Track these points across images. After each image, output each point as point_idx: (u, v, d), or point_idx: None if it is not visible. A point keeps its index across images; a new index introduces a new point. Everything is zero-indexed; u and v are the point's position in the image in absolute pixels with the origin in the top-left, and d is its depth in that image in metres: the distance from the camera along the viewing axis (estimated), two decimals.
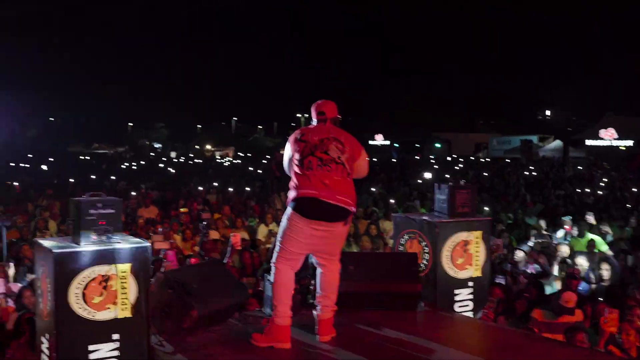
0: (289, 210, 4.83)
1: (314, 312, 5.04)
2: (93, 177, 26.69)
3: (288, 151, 4.94)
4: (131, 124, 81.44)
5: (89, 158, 50.09)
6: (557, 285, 8.38)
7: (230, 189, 20.63)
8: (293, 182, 4.85)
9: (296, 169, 4.82)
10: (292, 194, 4.84)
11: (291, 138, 4.97)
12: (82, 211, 4.51)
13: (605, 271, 8.55)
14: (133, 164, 40.63)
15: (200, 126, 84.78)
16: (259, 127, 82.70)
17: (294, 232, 4.77)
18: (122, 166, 37.96)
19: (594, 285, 8.22)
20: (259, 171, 32.64)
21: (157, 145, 72.63)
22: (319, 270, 5.07)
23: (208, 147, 70.65)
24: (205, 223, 8.88)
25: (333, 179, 4.74)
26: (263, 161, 40.45)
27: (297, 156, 4.82)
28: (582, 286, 8.16)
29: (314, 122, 5.05)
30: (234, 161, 49.19)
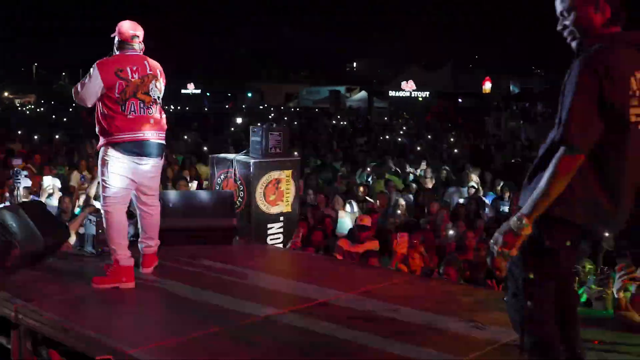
0: (109, 149, 4.79)
1: (141, 249, 5.17)
2: None
3: (97, 81, 4.69)
4: None
5: None
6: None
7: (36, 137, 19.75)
8: (110, 123, 4.74)
9: (114, 109, 4.72)
10: (111, 137, 4.76)
11: (105, 68, 4.73)
12: None
13: (401, 206, 9.53)
14: None
15: None
16: (63, 74, 78.21)
17: (118, 168, 4.80)
18: None
19: (391, 219, 9.10)
20: (64, 119, 31.26)
21: None
22: (139, 213, 5.18)
23: (6, 94, 65.83)
24: (17, 170, 8.64)
25: (154, 118, 4.88)
26: (69, 109, 38.61)
27: (116, 95, 4.71)
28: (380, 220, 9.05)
29: (126, 47, 4.86)
30: (37, 110, 46.37)
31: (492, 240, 2.72)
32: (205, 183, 10.92)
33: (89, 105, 4.84)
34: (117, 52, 4.92)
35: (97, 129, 4.88)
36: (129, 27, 4.89)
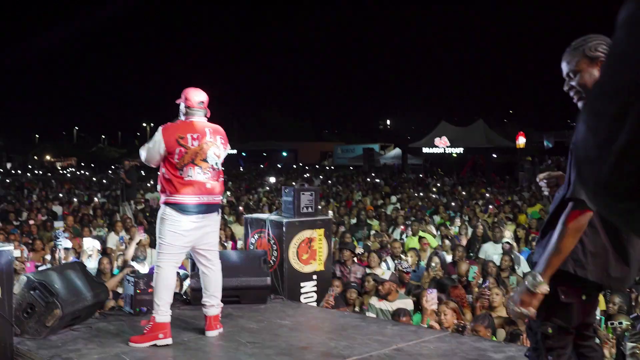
0: (166, 208, 5.04)
1: (204, 310, 5.32)
2: None
3: (161, 145, 4.99)
4: None
5: None
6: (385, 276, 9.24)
7: (75, 200, 20.25)
8: (169, 184, 5.03)
9: (173, 173, 5.01)
10: (169, 197, 5.03)
11: (168, 133, 5.01)
12: None
13: (435, 264, 9.54)
14: None
15: (38, 136, 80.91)
16: (102, 136, 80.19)
17: (173, 226, 5.02)
18: None
19: (426, 275, 9.11)
20: (104, 181, 31.98)
21: None
22: (202, 271, 5.38)
23: (48, 157, 67.60)
24: (58, 232, 8.93)
25: (211, 183, 5.12)
26: (108, 171, 39.47)
27: (175, 160, 4.99)
28: (414, 277, 9.06)
29: (191, 113, 5.14)
30: (77, 172, 47.47)
31: (510, 300, 2.78)
32: (239, 243, 11.08)
33: (154, 166, 5.17)
34: (182, 118, 5.21)
35: (158, 187, 5.20)
36: (194, 94, 5.19)
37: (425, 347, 5.01)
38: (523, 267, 10.53)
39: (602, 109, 1.09)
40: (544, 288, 2.64)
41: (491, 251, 11.35)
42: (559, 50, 2.95)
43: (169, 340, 5.02)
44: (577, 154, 1.12)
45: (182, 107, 5.22)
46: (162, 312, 5.04)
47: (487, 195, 21.11)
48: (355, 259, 9.37)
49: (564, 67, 2.88)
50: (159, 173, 5.18)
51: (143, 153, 5.16)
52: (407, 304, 7.25)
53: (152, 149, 5.07)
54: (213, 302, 5.31)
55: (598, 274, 2.73)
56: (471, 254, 11.07)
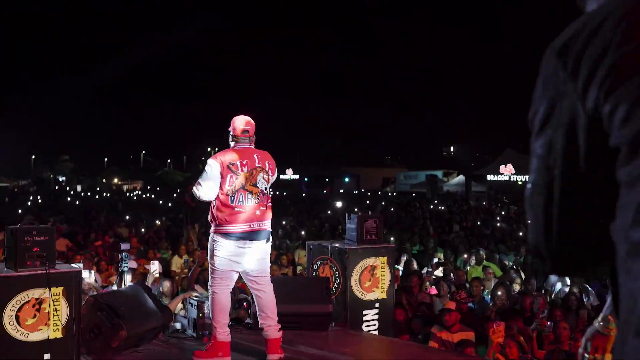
0: (217, 236, 5.18)
1: (263, 334, 5.36)
2: None
3: (216, 174, 5.12)
4: (34, 157, 79.04)
5: None
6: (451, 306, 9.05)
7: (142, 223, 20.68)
8: (220, 214, 5.14)
9: (225, 201, 5.12)
10: (219, 227, 5.16)
11: (221, 161, 5.14)
12: (18, 238, 4.79)
13: (500, 294, 9.31)
14: (36, 197, 39.56)
15: (106, 159, 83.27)
16: (168, 160, 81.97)
17: (223, 252, 5.16)
18: (26, 200, 36.89)
19: (491, 306, 8.90)
20: (169, 204, 32.58)
21: (61, 178, 70.79)
22: (255, 295, 5.45)
23: (115, 180, 69.44)
24: (124, 253, 9.10)
25: (260, 209, 5.22)
26: (174, 195, 40.24)
27: (227, 189, 5.12)
28: (477, 309, 8.86)
29: (239, 141, 5.28)
30: (143, 195, 48.57)
31: (580, 348, 2.57)
32: (299, 268, 11.05)
33: (212, 199, 5.21)
34: (231, 145, 5.34)
35: (209, 216, 5.31)
36: (240, 122, 5.33)
37: None
38: (592, 299, 10.19)
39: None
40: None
41: (558, 282, 11.03)
42: None
43: (228, 359, 5.18)
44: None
45: (230, 135, 5.38)
46: (221, 333, 5.20)
47: None
48: (422, 287, 9.25)
49: None
50: (212, 203, 5.24)
51: (199, 189, 5.22)
52: (469, 335, 7.08)
53: (208, 180, 5.18)
54: (270, 323, 5.33)
55: None
56: (537, 285, 10.76)
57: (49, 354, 4.83)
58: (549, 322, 6.76)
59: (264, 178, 5.27)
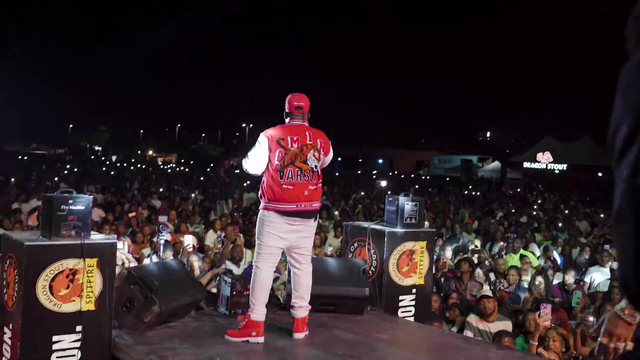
0: (266, 212, 5.13)
1: (292, 311, 5.34)
2: (32, 177, 26.28)
3: (264, 148, 5.08)
4: (71, 126, 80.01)
5: (26, 158, 49.07)
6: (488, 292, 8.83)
7: (176, 195, 20.68)
8: (270, 189, 5.09)
9: (274, 177, 5.07)
10: (268, 204, 5.10)
11: (270, 135, 5.10)
12: (54, 207, 4.71)
13: (539, 284, 9.07)
14: (72, 166, 39.99)
15: (142, 131, 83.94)
16: (203, 134, 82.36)
17: (272, 228, 5.10)
18: (63, 168, 37.30)
19: (528, 296, 8.66)
20: (201, 178, 32.67)
21: (97, 148, 71.59)
22: (293, 272, 5.40)
23: (150, 152, 70.01)
24: (162, 226, 9.05)
25: (309, 188, 5.14)
26: (207, 169, 40.37)
27: (276, 164, 5.06)
28: (514, 297, 8.63)
29: (292, 117, 5.23)
30: (177, 168, 48.85)
31: (600, 336, 2.47)
32: (330, 249, 10.84)
33: (260, 174, 5.19)
34: (285, 122, 5.29)
35: (259, 192, 5.28)
36: (293, 99, 5.26)
37: None
38: None
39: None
40: None
41: (598, 276, 10.73)
42: None
43: (261, 339, 5.13)
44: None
45: (285, 112, 5.32)
46: (258, 311, 5.14)
47: (595, 215, 20.10)
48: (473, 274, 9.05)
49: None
50: (262, 179, 5.22)
51: (248, 162, 5.20)
52: (507, 325, 6.87)
53: (256, 155, 5.14)
54: (302, 304, 5.30)
55: None
56: (577, 278, 10.47)
57: (80, 326, 4.76)
58: (592, 318, 6.51)
59: (314, 155, 5.19)
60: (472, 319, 7.07)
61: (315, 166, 5.21)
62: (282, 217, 5.07)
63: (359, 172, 50.12)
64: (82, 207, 4.80)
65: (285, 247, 5.27)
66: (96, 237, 4.97)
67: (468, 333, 6.94)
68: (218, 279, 6.85)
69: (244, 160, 5.24)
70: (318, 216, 5.41)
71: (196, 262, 8.70)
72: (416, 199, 6.73)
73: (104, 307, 4.85)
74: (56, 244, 4.67)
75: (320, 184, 5.30)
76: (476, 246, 12.71)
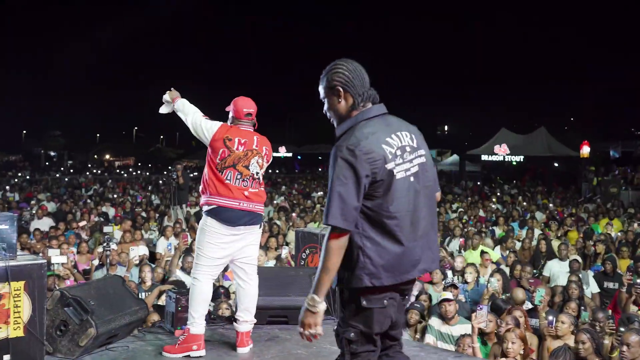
0: (208, 219, 4.89)
1: (235, 325, 5.14)
2: None
3: (210, 131, 4.91)
4: (25, 132, 78.23)
5: None
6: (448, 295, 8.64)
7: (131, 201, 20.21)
8: (212, 183, 4.89)
9: (215, 173, 4.88)
10: (210, 198, 4.89)
11: (221, 130, 4.92)
12: None
13: (497, 281, 8.91)
14: (24, 174, 38.97)
15: (99, 135, 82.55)
16: (161, 137, 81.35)
17: (213, 237, 4.88)
18: (14, 176, 36.30)
19: (485, 293, 8.47)
20: (160, 182, 32.10)
21: (52, 154, 70.12)
22: (237, 284, 5.18)
23: (107, 156, 68.86)
24: (108, 236, 8.69)
25: (249, 191, 4.93)
26: (164, 172, 39.78)
27: (217, 161, 4.87)
28: (473, 295, 8.47)
29: (238, 123, 5.03)
30: (134, 172, 48.06)
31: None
32: (284, 252, 10.48)
33: (193, 132, 5.03)
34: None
35: (200, 188, 5.06)
36: (243, 105, 5.06)
37: None
38: (592, 287, 9.83)
39: None
40: (323, 306, 2.86)
41: (557, 269, 10.66)
42: (626, 54, 2.44)
43: (202, 352, 4.93)
44: None
45: (230, 116, 5.12)
46: (197, 325, 4.94)
47: (550, 206, 20.20)
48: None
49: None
50: (203, 173, 5.04)
51: (192, 118, 5.03)
52: (468, 328, 6.69)
53: (202, 126, 4.97)
54: (246, 318, 5.12)
55: (393, 277, 2.91)
56: (534, 272, 10.38)
57: (9, 355, 4.42)
58: (551, 317, 6.36)
59: (258, 162, 5.01)
60: (434, 322, 6.87)
61: (257, 173, 5.03)
62: (224, 226, 4.86)
63: (319, 169, 49.90)
64: (6, 226, 4.46)
65: (228, 259, 5.03)
66: (23, 258, 4.62)
67: (430, 337, 6.74)
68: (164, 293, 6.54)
69: (192, 120, 5.03)
70: (262, 223, 5.18)
71: (148, 272, 8.35)
72: None
73: (35, 332, 4.51)
74: None
75: (262, 190, 5.10)
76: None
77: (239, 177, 4.89)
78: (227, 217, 4.85)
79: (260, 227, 5.10)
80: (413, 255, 2.97)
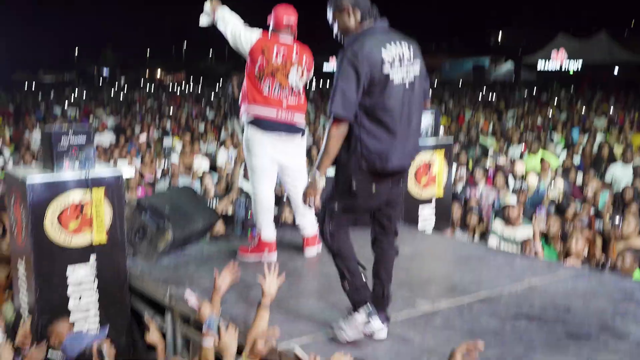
0: (250, 129, 4.91)
1: (300, 232, 5.24)
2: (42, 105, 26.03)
3: (250, 40, 4.83)
4: (77, 49, 78.93)
5: (34, 86, 48.70)
6: (512, 200, 8.65)
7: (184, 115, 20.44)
8: (249, 93, 4.87)
9: (253, 83, 4.85)
10: (249, 107, 4.88)
11: (260, 39, 4.84)
12: (54, 140, 4.52)
13: (558, 187, 8.87)
14: (81, 90, 39.60)
15: (149, 49, 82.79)
16: (210, 49, 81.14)
17: (259, 150, 4.91)
18: (71, 94, 36.97)
19: (546, 198, 8.45)
20: (211, 96, 32.23)
21: (105, 75, 70.86)
22: (289, 192, 5.26)
23: (158, 72, 69.31)
24: (168, 148, 8.90)
25: (288, 103, 4.88)
26: (217, 85, 39.93)
27: (256, 70, 4.82)
28: (534, 200, 8.46)
29: (280, 34, 4.92)
30: (186, 87, 48.38)
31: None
32: None
33: (230, 41, 4.93)
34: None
35: (240, 99, 5.02)
36: (282, 14, 4.93)
37: (562, 286, 4.53)
38: None
39: None
40: (322, 182, 3.33)
41: (620, 173, 10.48)
42: None
43: (274, 255, 5.06)
44: None
45: (270, 27, 4.98)
46: (266, 231, 5.07)
47: (611, 110, 19.64)
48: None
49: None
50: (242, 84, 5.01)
51: (231, 29, 4.90)
52: (530, 231, 6.73)
53: (241, 37, 4.86)
54: (306, 222, 5.17)
55: (385, 164, 3.33)
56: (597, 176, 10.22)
57: (94, 256, 4.67)
58: (617, 218, 6.34)
59: (298, 73, 4.92)
60: (498, 224, 6.92)
61: (297, 85, 4.93)
62: (265, 133, 4.86)
63: None
64: (84, 138, 4.60)
65: (274, 166, 5.03)
66: (101, 167, 4.80)
67: (493, 240, 6.81)
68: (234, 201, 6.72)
69: (231, 30, 4.91)
70: (304, 133, 5.11)
71: (210, 183, 8.55)
72: (433, 110, 6.50)
73: (116, 237, 4.73)
74: (59, 180, 4.51)
75: (302, 103, 5.02)
76: (495, 151, 12.49)
77: (277, 87, 4.83)
78: (265, 125, 4.85)
79: (302, 136, 5.07)
80: (404, 147, 3.40)
